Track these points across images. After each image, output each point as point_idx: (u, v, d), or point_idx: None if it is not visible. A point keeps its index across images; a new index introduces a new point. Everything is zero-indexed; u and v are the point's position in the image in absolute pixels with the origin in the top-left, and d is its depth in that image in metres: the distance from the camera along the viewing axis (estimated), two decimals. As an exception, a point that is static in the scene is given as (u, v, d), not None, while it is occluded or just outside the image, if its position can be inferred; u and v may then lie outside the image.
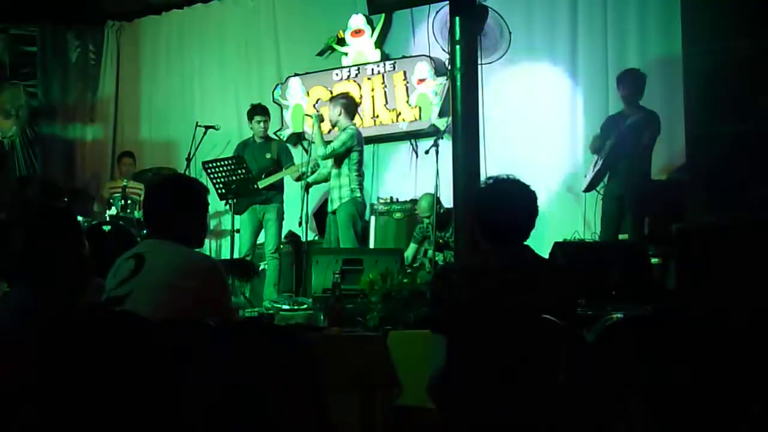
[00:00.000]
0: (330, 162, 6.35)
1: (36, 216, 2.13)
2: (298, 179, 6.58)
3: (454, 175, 4.87)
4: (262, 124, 6.70)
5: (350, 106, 6.52)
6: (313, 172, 6.47)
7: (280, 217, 6.63)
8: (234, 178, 6.20)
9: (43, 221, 2.11)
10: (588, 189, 6.17)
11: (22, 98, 8.79)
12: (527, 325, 2.35)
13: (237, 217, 6.57)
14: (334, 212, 6.33)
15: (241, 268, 6.10)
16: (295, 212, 6.54)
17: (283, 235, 7.13)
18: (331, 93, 7.83)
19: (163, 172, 7.43)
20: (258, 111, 6.75)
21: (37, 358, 1.95)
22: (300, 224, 6.31)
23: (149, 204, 2.94)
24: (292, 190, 7.02)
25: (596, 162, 6.04)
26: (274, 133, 7.85)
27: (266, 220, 6.56)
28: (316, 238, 7.21)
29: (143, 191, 7.31)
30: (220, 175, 6.21)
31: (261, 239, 6.79)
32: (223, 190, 6.22)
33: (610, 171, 5.95)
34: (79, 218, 5.34)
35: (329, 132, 6.98)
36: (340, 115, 6.37)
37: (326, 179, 6.50)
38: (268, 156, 6.62)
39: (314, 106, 7.60)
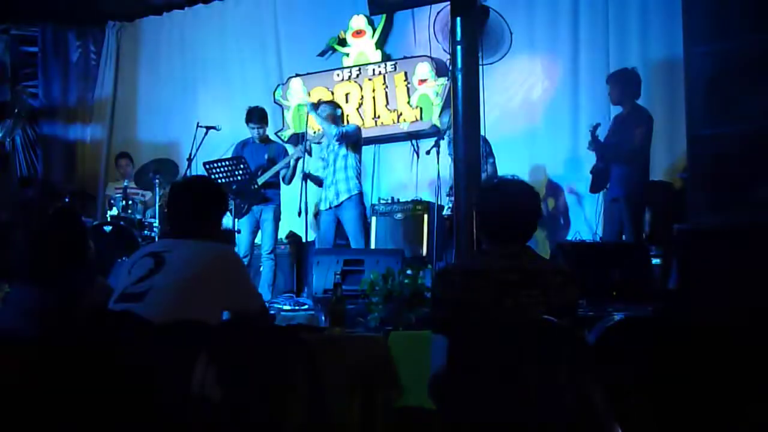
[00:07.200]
0: (333, 155, 6.35)
1: (40, 217, 2.15)
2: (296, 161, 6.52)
3: (455, 176, 4.87)
4: (255, 131, 6.63)
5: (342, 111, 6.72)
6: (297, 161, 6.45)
7: (277, 218, 6.58)
8: (235, 178, 6.20)
9: (48, 222, 2.13)
10: (593, 190, 6.18)
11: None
12: (528, 325, 2.35)
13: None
14: (339, 205, 6.31)
15: None
16: (293, 207, 6.48)
17: (284, 236, 7.12)
18: (332, 93, 7.85)
19: (161, 168, 7.34)
20: (252, 118, 6.59)
21: (39, 359, 1.96)
22: (299, 214, 6.22)
23: (173, 207, 3.02)
24: (290, 187, 7.02)
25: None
26: (275, 134, 7.85)
27: (263, 220, 6.50)
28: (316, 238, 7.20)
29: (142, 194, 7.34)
30: (220, 175, 6.21)
31: (259, 239, 6.76)
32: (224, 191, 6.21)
33: (609, 171, 5.95)
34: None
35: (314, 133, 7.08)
36: (338, 115, 6.46)
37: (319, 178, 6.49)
38: (266, 157, 6.59)
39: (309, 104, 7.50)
